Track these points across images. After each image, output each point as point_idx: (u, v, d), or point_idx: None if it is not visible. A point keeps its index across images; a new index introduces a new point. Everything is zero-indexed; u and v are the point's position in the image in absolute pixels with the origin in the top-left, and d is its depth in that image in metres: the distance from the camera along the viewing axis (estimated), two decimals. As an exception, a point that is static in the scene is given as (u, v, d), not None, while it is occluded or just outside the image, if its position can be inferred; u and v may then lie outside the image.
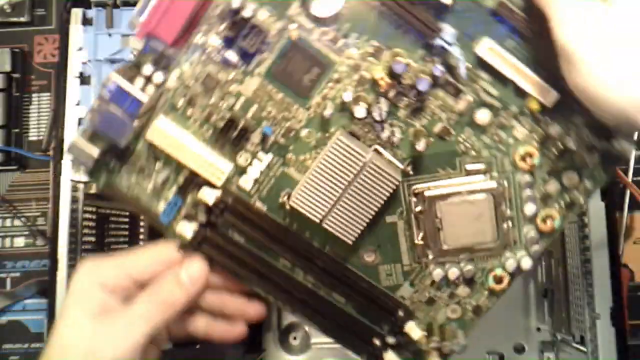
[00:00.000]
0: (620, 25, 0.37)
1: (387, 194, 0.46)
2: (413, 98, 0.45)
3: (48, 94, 0.61)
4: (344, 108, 0.46)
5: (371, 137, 0.46)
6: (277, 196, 0.48)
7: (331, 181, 0.46)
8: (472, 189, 0.47)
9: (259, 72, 0.45)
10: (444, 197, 0.47)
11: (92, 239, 0.61)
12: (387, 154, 0.46)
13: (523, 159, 0.46)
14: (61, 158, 0.57)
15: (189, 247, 0.47)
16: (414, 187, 0.47)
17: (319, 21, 0.44)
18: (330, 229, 0.47)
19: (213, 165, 0.46)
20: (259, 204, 0.48)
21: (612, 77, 0.37)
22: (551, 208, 0.47)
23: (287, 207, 0.47)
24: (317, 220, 0.47)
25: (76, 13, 0.58)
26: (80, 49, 0.57)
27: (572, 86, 0.39)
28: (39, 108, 0.61)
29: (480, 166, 0.47)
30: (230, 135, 0.46)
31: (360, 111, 0.44)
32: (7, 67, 0.61)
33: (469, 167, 0.47)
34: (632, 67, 0.36)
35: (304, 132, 0.47)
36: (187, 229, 0.47)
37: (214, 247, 0.48)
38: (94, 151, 0.45)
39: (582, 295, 0.52)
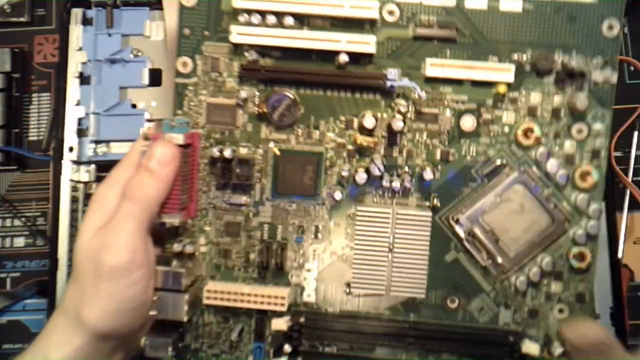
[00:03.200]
0: None
1: (428, 234, 0.47)
2: (398, 142, 0.48)
3: (48, 94, 0.61)
4: (348, 183, 0.48)
5: (388, 195, 0.48)
6: (341, 292, 0.49)
7: (374, 251, 0.47)
8: (501, 188, 0.47)
9: (267, 197, 0.49)
10: (481, 210, 0.47)
11: (92, 238, 0.60)
12: (409, 200, 0.48)
13: (526, 136, 0.47)
14: (61, 158, 0.57)
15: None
16: (450, 216, 0.48)
17: (286, 128, 0.48)
18: (399, 294, 0.47)
19: (271, 296, 0.48)
20: (330, 309, 0.49)
21: None
22: (580, 164, 0.47)
23: (356, 295, 0.49)
24: (383, 293, 0.47)
25: (76, 13, 0.59)
26: (80, 49, 0.58)
27: None
28: (39, 108, 0.61)
29: (496, 164, 0.48)
30: (272, 263, 0.49)
31: (361, 177, 0.47)
32: (7, 67, 0.60)
33: (486, 171, 0.48)
34: None
35: (331, 224, 0.49)
36: (280, 364, 0.49)
37: (312, 368, 0.48)
38: (167, 341, 0.48)
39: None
